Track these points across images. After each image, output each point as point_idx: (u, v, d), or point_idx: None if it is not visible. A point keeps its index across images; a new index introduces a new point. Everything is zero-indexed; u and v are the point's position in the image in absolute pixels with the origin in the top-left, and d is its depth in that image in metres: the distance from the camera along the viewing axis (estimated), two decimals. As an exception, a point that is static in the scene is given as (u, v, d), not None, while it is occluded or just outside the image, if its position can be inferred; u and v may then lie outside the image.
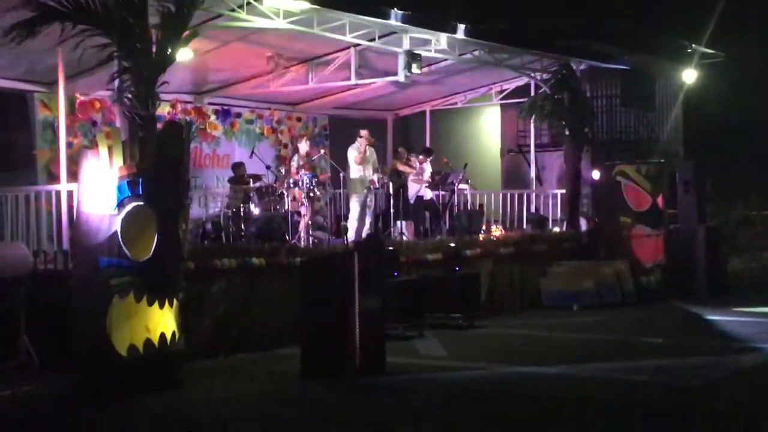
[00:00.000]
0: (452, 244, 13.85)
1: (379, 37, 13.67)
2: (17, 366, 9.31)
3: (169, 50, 9.34)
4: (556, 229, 16.94)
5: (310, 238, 13.69)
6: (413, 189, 15.77)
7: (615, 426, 7.40)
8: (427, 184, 16.13)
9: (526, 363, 9.93)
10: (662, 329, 12.39)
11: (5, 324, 9.39)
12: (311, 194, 13.98)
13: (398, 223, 15.02)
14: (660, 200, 16.34)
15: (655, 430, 7.21)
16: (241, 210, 13.50)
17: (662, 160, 17.91)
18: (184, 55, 10.46)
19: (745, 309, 14.13)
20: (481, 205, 17.38)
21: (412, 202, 15.69)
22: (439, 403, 8.26)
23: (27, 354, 9.38)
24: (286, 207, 13.75)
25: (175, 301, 8.82)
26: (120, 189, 8.58)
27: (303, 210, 13.88)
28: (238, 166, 14.70)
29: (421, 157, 16.23)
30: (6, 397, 8.47)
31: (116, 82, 9.58)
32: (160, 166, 8.74)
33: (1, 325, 9.40)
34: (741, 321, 13.12)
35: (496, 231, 15.62)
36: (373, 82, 15.58)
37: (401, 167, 15.52)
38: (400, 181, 15.48)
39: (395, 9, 13.15)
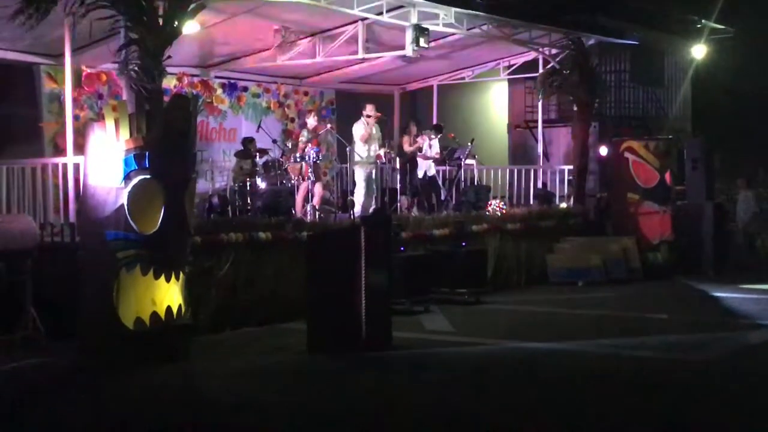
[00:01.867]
0: (459, 220, 13.83)
1: (387, 11, 13.57)
2: (24, 338, 9.36)
3: (176, 23, 9.30)
4: (563, 205, 16.89)
5: (316, 213, 13.67)
6: (422, 165, 15.71)
7: (620, 401, 7.40)
8: (434, 161, 16.08)
9: (532, 339, 9.93)
10: (668, 305, 12.39)
11: (12, 296, 9.42)
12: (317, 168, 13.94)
13: (400, 198, 14.99)
14: (668, 176, 16.30)
15: (660, 406, 7.20)
16: (248, 184, 13.48)
17: (670, 137, 17.85)
18: (190, 27, 10.39)
19: (752, 286, 14.13)
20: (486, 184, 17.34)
21: (420, 178, 15.66)
22: (445, 378, 8.26)
23: (33, 326, 9.42)
24: (293, 181, 13.72)
25: (181, 275, 8.82)
26: (126, 162, 8.55)
27: (307, 184, 13.84)
28: (248, 141, 14.66)
29: (431, 134, 16.16)
30: (12, 369, 8.51)
31: (123, 55, 9.53)
32: (166, 139, 8.71)
33: (8, 298, 9.43)
34: (747, 298, 13.12)
35: (497, 206, 15.47)
36: (381, 57, 15.49)
37: (407, 147, 15.42)
38: (407, 156, 15.41)
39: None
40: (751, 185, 18.09)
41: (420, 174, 15.68)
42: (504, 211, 15.08)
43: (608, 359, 9.00)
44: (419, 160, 15.69)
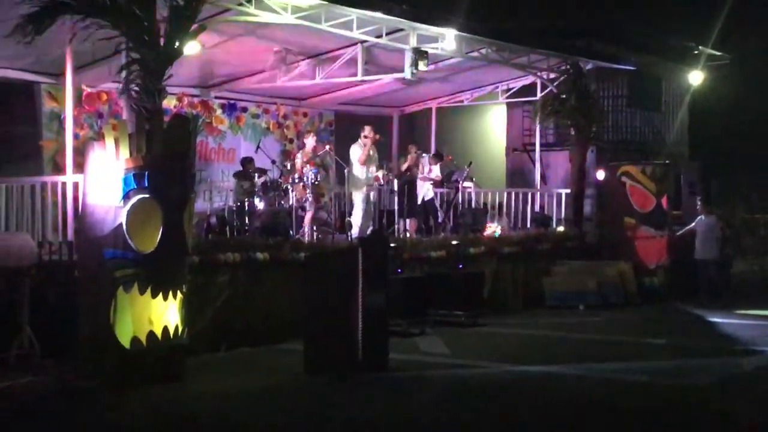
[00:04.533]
0: (456, 242, 13.85)
1: (387, 34, 13.67)
2: (19, 356, 9.33)
3: (177, 43, 9.37)
4: (560, 228, 16.93)
5: (314, 234, 13.69)
6: (421, 188, 15.75)
7: (615, 426, 7.40)
8: (432, 183, 16.12)
9: (528, 362, 9.94)
10: (665, 330, 12.40)
11: (9, 314, 9.41)
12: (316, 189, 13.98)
13: (401, 221, 15.02)
14: (664, 201, 16.36)
15: (655, 429, 7.21)
16: (246, 204, 13.50)
17: (667, 162, 17.90)
18: (191, 48, 10.46)
19: (748, 311, 14.14)
20: (485, 204, 17.38)
21: (419, 201, 15.69)
22: (440, 401, 8.26)
23: (30, 344, 9.40)
24: (291, 202, 13.75)
25: (179, 294, 8.84)
26: (126, 181, 8.59)
27: (307, 205, 13.87)
28: (247, 161, 14.70)
29: (432, 160, 16.23)
30: (8, 387, 8.49)
31: (123, 74, 9.58)
32: (166, 159, 8.75)
33: (5, 315, 9.41)
34: (743, 323, 13.13)
35: (494, 229, 15.53)
36: (380, 79, 15.57)
37: (402, 167, 15.42)
38: (408, 177, 15.43)
39: (403, 5, 13.12)
40: (713, 209, 16.68)
41: (420, 196, 15.72)
42: (502, 234, 15.12)
43: (605, 384, 9.00)
44: (419, 182, 15.74)
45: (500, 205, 17.24)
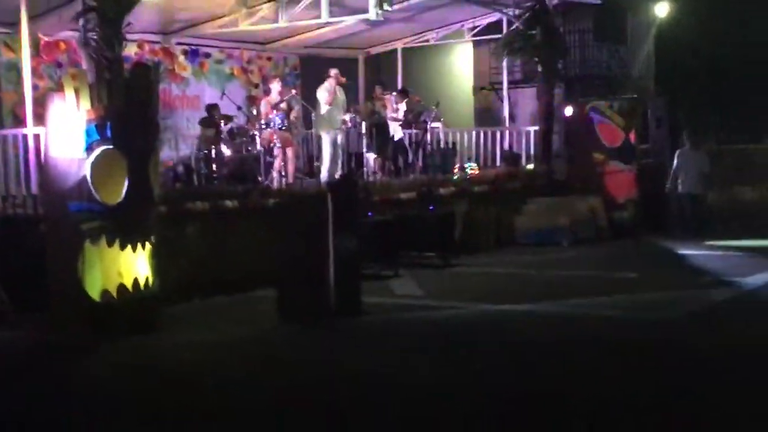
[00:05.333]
0: (425, 184, 13.81)
1: (350, -27, 13.44)
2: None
3: (135, -11, 9.14)
4: (530, 166, 16.93)
5: (296, 179, 13.58)
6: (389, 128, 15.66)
7: (586, 362, 7.46)
8: (400, 124, 16.03)
9: (501, 301, 9.97)
10: (635, 264, 12.48)
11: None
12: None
13: (366, 156, 14.93)
14: (632, 136, 16.37)
15: (628, 365, 7.27)
16: (213, 152, 13.35)
17: (634, 96, 17.89)
18: (150, -7, 10.23)
19: (717, 243, 14.26)
20: (454, 144, 17.32)
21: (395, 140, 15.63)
22: (415, 343, 8.28)
23: (1, 299, 9.30)
24: (258, 148, 13.61)
25: (147, 245, 8.74)
26: (88, 132, 8.43)
27: (276, 151, 13.74)
28: (212, 108, 14.49)
29: (397, 98, 16.10)
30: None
31: (81, 23, 9.35)
32: (128, 108, 8.58)
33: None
34: (713, 255, 13.25)
35: (470, 169, 15.55)
36: (344, 20, 15.35)
37: (367, 112, 15.29)
38: (377, 119, 15.31)
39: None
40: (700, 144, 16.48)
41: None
42: (476, 173, 15.11)
43: (577, 320, 9.06)
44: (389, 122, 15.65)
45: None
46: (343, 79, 14.87)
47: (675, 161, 15.80)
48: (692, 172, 15.59)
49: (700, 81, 23.43)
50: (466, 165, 15.35)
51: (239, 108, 14.72)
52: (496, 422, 5.99)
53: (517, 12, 16.84)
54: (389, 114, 15.78)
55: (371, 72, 19.31)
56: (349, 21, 15.39)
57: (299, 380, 7.13)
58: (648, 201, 16.10)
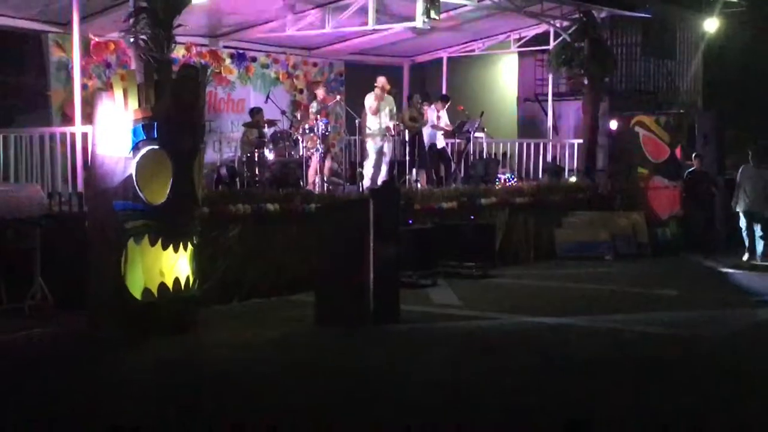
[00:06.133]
0: (467, 193, 13.77)
1: (398, -18, 13.46)
2: (32, 307, 9.37)
3: (185, -9, 9.22)
4: (572, 179, 16.82)
5: (325, 184, 13.64)
6: (427, 137, 15.64)
7: (626, 377, 7.39)
8: (443, 134, 16.02)
9: (539, 314, 9.91)
10: (677, 281, 12.34)
11: (21, 265, 9.43)
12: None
13: (413, 171, 14.93)
14: (678, 151, 16.20)
15: (667, 382, 7.19)
16: (256, 155, 13.43)
17: (681, 111, 17.70)
18: (200, -4, 10.33)
19: (761, 263, 14.05)
20: (496, 154, 17.27)
21: (429, 150, 15.60)
22: (451, 352, 8.25)
23: (42, 295, 9.43)
24: (301, 153, 13.67)
25: (189, 246, 8.81)
26: (135, 132, 8.52)
27: (317, 156, 13.78)
28: (256, 112, 14.59)
29: (438, 104, 16.09)
30: (21, 338, 8.53)
31: (131, 23, 9.46)
32: (175, 109, 8.66)
33: (17, 266, 9.44)
34: (756, 275, 13.05)
35: (512, 180, 15.52)
36: (391, 28, 15.38)
37: (407, 122, 15.27)
38: (416, 128, 15.31)
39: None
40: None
41: (426, 145, 15.59)
42: (515, 185, 15.03)
43: (616, 335, 8.98)
44: (430, 131, 15.62)
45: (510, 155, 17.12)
46: (390, 88, 14.89)
47: (738, 178, 14.72)
48: (758, 192, 14.34)
49: (749, 98, 23.12)
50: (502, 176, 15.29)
51: (283, 112, 14.79)
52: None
53: (564, 24, 16.76)
54: (430, 122, 15.76)
55: (416, 80, 19.32)
56: (396, 28, 15.41)
57: (332, 382, 7.14)
58: (693, 218, 15.90)
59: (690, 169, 15.93)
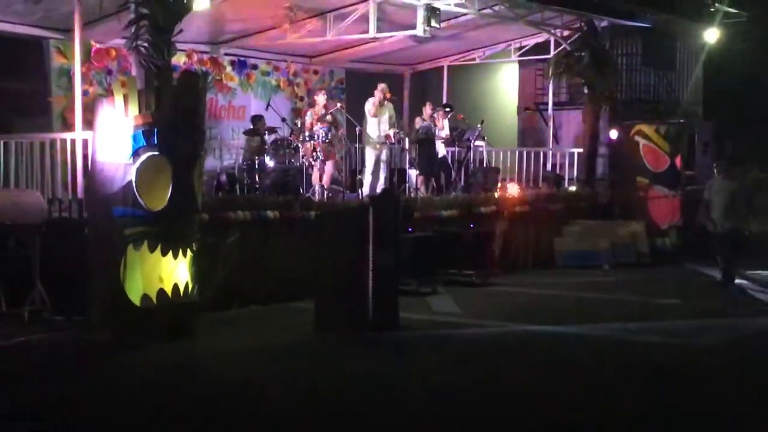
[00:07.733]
0: (467, 201, 13.78)
1: (399, -10, 13.48)
2: (31, 313, 9.36)
3: (186, -2, 9.25)
4: (572, 188, 16.83)
5: (325, 192, 13.65)
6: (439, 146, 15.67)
7: (625, 386, 7.38)
8: (443, 142, 16.04)
9: (538, 322, 9.90)
10: (677, 291, 12.33)
11: (20, 271, 9.42)
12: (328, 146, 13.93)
13: (409, 173, 14.92)
14: (678, 161, 16.21)
15: (667, 390, 7.18)
16: (256, 162, 13.44)
17: (681, 121, 17.71)
18: (201, 3, 10.35)
19: (761, 272, 14.04)
20: (495, 166, 17.28)
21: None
22: (450, 360, 8.25)
23: (41, 301, 9.42)
24: (301, 160, 13.69)
25: (189, 252, 8.81)
26: (135, 138, 8.54)
27: (318, 164, 13.81)
28: (258, 119, 14.61)
29: (441, 112, 16.12)
30: (20, 344, 8.53)
31: (132, 30, 9.47)
32: (175, 116, 8.68)
33: (17, 272, 9.43)
34: (755, 284, 13.04)
35: (512, 189, 15.49)
36: (392, 36, 15.40)
37: (417, 124, 15.28)
38: (423, 135, 15.31)
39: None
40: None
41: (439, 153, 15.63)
42: (515, 194, 15.02)
43: (615, 344, 8.98)
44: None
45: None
46: (389, 95, 14.91)
47: (705, 193, 13.32)
48: (728, 206, 12.86)
49: (749, 108, 23.15)
50: (507, 185, 15.29)
51: (284, 120, 14.81)
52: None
53: (565, 33, 16.77)
54: (437, 132, 15.78)
55: (417, 88, 19.34)
56: (396, 37, 15.43)
57: (330, 388, 7.14)
58: (693, 228, 15.87)
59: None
